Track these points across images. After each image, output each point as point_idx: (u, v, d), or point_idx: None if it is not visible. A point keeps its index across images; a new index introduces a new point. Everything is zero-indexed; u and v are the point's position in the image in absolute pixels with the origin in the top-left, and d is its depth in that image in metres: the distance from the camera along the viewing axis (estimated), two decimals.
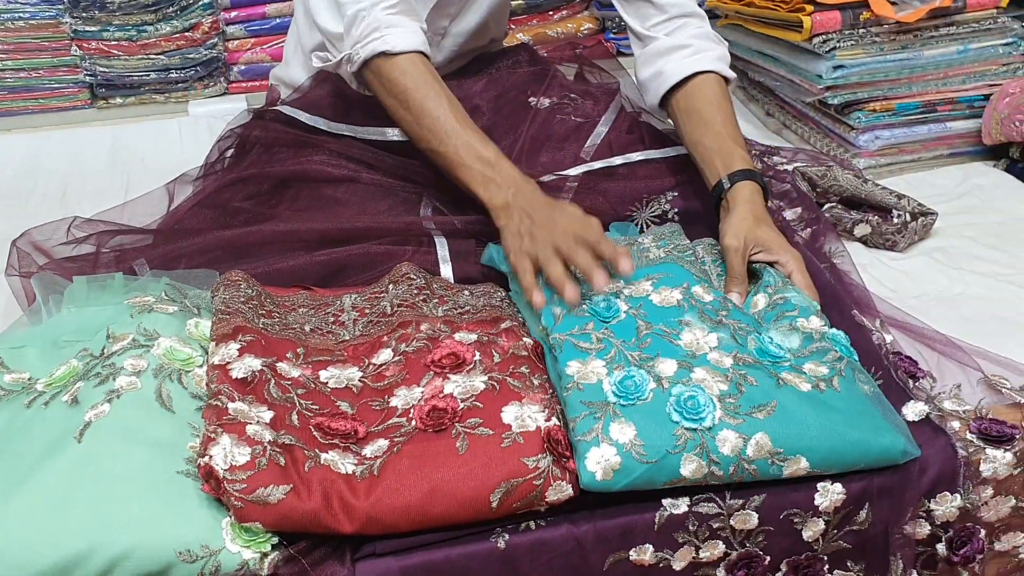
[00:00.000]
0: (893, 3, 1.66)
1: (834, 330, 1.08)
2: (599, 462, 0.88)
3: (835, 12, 1.65)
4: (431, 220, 1.28)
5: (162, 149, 1.87)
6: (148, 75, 1.98)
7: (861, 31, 1.66)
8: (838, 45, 1.65)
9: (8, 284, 1.25)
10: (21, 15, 1.88)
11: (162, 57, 1.96)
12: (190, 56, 1.98)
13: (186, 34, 1.96)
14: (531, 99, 1.52)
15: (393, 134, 1.39)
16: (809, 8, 1.66)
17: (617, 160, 1.42)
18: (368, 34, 1.28)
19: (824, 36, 1.66)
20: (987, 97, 1.70)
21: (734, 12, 1.91)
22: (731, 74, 1.42)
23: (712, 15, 1.99)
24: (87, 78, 1.96)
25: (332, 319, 1.11)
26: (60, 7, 1.89)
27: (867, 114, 1.67)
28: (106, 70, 1.94)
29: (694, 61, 1.39)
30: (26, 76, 1.93)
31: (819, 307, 1.12)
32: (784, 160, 1.57)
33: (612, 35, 2.11)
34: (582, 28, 2.10)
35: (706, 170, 1.30)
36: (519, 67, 1.63)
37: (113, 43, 1.92)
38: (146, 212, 1.39)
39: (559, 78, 1.60)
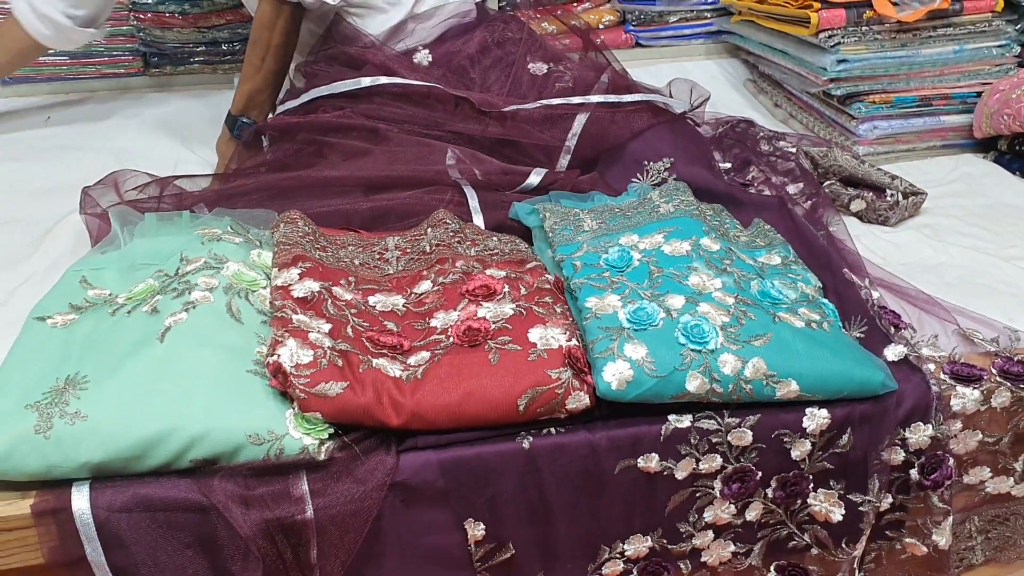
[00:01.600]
0: (895, 3, 1.77)
1: (826, 300, 1.19)
2: (614, 374, 1.00)
3: (840, 10, 1.77)
4: (455, 167, 1.41)
5: (208, 119, 1.97)
6: (199, 47, 2.09)
7: (864, 28, 1.78)
8: (842, 41, 1.77)
9: (85, 223, 1.39)
10: None
11: (213, 31, 2.08)
12: (239, 31, 2.08)
13: (236, 10, 2.07)
14: (529, 65, 1.62)
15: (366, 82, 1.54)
16: (816, 5, 1.78)
17: (576, 100, 1.53)
18: None
19: (830, 32, 1.77)
20: (979, 94, 1.82)
21: (747, 9, 2.04)
22: None
23: (726, 11, 2.13)
24: (141, 47, 2.07)
25: (377, 256, 1.24)
26: None
27: (867, 105, 1.79)
28: (159, 40, 2.05)
29: None
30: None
31: (821, 286, 1.22)
32: (789, 144, 1.69)
33: (632, 27, 2.22)
34: (603, 19, 2.21)
35: None
36: (508, 33, 1.70)
37: (167, 15, 2.03)
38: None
39: (547, 47, 1.69)
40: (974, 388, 1.12)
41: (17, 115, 1.97)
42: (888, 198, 1.54)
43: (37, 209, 1.54)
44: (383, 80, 1.53)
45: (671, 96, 1.59)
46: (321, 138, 1.51)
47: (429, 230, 1.27)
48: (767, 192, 1.46)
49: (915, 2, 1.77)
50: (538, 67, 1.62)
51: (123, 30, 2.04)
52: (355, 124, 1.51)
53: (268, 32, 1.59)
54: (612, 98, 1.54)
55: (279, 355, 0.97)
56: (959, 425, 1.13)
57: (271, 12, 1.58)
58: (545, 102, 1.52)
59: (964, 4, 1.80)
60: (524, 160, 1.51)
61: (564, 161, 1.51)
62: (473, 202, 1.37)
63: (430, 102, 1.54)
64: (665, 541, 1.10)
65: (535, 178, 1.45)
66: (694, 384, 1.02)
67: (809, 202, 1.47)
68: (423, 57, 1.61)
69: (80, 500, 0.92)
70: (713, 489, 1.08)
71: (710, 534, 1.11)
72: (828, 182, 1.58)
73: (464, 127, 1.50)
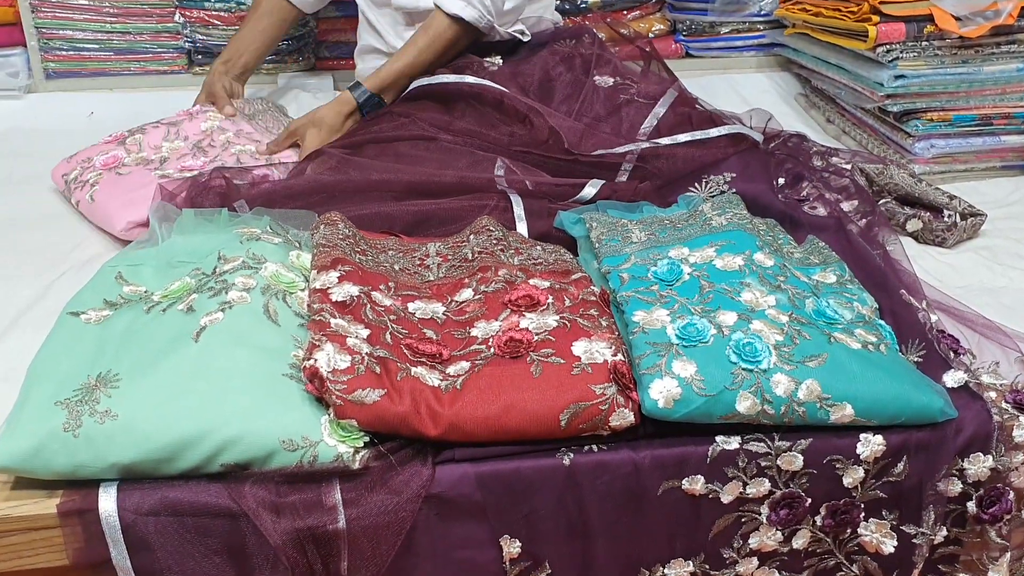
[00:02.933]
0: (957, 18, 1.73)
1: (883, 322, 1.15)
2: (661, 392, 0.97)
3: (900, 24, 1.72)
4: (503, 179, 1.38)
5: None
6: None
7: (924, 43, 1.74)
8: (901, 55, 1.73)
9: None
10: None
11: None
12: None
13: None
14: (595, 77, 1.63)
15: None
16: (875, 19, 1.73)
17: (664, 140, 1.52)
18: None
19: (888, 46, 1.73)
20: None
21: (802, 22, 1.99)
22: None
23: (780, 24, 2.09)
24: (186, 44, 2.07)
25: (418, 262, 1.21)
26: None
27: (924, 123, 1.75)
28: (205, 38, 2.05)
29: None
30: (131, 39, 2.04)
31: (877, 307, 1.18)
32: (843, 160, 1.64)
33: (682, 37, 2.19)
34: (653, 28, 2.18)
35: None
36: (580, 48, 1.73)
37: (213, 13, 2.03)
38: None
39: (616, 62, 1.71)
40: None
41: (61, 110, 1.98)
42: (946, 219, 1.49)
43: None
44: (484, 83, 1.56)
45: (750, 126, 1.58)
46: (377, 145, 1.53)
47: (472, 237, 1.24)
48: (820, 208, 1.41)
49: (979, 17, 1.72)
50: (604, 80, 1.64)
51: (168, 27, 2.04)
52: (415, 135, 1.51)
53: (440, 42, 1.64)
54: (699, 135, 1.54)
55: (316, 359, 0.95)
56: (1021, 457, 1.07)
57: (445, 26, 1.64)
58: (632, 147, 1.51)
59: None
60: (580, 171, 1.49)
61: (624, 178, 1.49)
62: (518, 209, 1.34)
63: (504, 114, 1.56)
64: (708, 567, 1.05)
65: (591, 190, 1.42)
66: (745, 405, 0.98)
67: (864, 220, 1.42)
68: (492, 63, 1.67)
69: (107, 501, 0.90)
70: (760, 515, 1.03)
71: (755, 561, 1.06)
72: (884, 200, 1.53)
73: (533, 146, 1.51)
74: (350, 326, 1.02)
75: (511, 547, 0.99)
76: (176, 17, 2.03)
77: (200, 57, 2.08)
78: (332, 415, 0.94)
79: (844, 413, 1.00)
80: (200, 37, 2.06)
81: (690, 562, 1.05)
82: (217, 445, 0.91)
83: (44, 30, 2.03)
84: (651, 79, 1.70)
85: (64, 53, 2.06)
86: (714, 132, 1.54)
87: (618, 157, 1.50)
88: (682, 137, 1.54)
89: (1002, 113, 1.78)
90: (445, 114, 1.56)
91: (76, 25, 2.04)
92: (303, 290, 1.09)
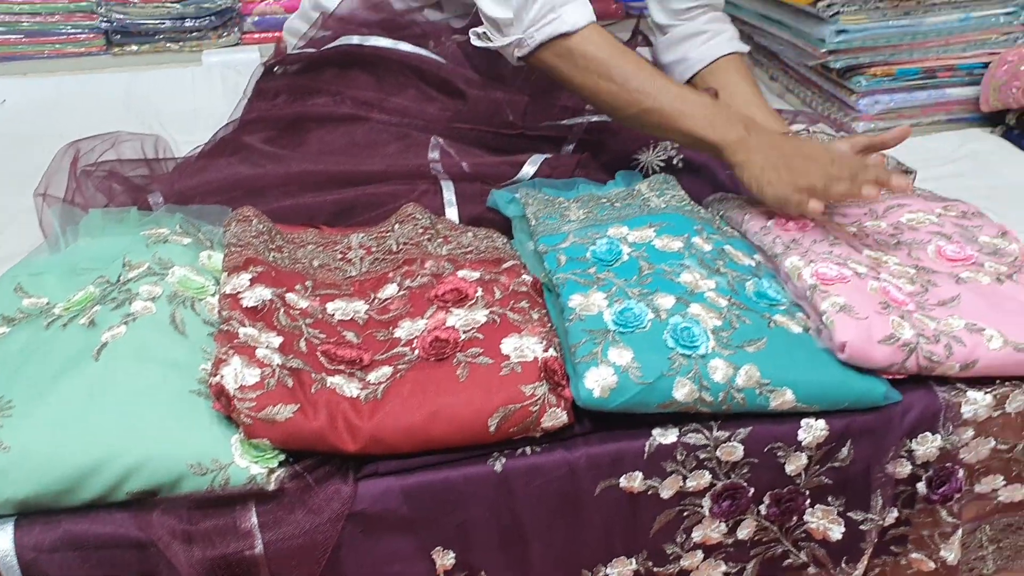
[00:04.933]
0: None
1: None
2: (597, 381, 0.92)
3: None
4: (439, 163, 1.32)
5: (175, 97, 1.90)
6: (163, 23, 2.00)
7: None
8: (842, 10, 1.69)
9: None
10: None
11: (177, 6, 1.99)
12: (205, 6, 2.00)
13: None
14: None
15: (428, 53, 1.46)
16: None
17: None
18: (543, 15, 1.24)
19: (828, 1, 1.69)
20: (986, 65, 1.74)
21: None
22: (745, 47, 1.53)
23: None
24: (103, 24, 1.98)
25: (339, 256, 1.15)
26: None
27: (868, 79, 1.71)
28: (122, 17, 1.97)
29: (713, 46, 1.52)
30: (42, 20, 1.95)
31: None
32: (786, 120, 1.60)
33: None
34: None
35: None
36: None
37: None
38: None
39: None
40: (986, 392, 1.04)
41: None
42: None
43: None
44: (420, 52, 1.46)
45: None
46: (304, 124, 1.43)
47: (397, 226, 1.18)
48: None
49: None
50: None
51: (83, 6, 1.95)
52: (345, 114, 1.42)
53: None
54: None
55: (222, 375, 0.89)
56: (970, 433, 1.05)
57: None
58: (580, 119, 1.43)
59: None
60: (523, 146, 1.41)
61: (569, 148, 1.42)
62: (448, 194, 1.28)
63: (443, 88, 1.46)
64: (651, 564, 1.02)
65: (530, 168, 1.35)
66: (682, 392, 0.94)
67: None
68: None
69: (3, 540, 0.84)
70: (702, 508, 1.00)
71: (699, 554, 1.03)
72: None
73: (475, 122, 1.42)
74: (261, 335, 0.96)
75: (445, 559, 0.95)
76: None
77: (119, 37, 2.00)
78: (242, 435, 0.88)
79: (784, 399, 0.96)
80: (118, 16, 1.97)
81: (632, 560, 1.01)
82: (121, 472, 0.85)
83: None
84: None
85: None
86: None
87: (563, 130, 1.43)
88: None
89: (946, 65, 1.75)
90: (378, 90, 1.47)
91: None
92: (213, 295, 1.03)
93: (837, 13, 1.68)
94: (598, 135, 1.42)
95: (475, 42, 1.34)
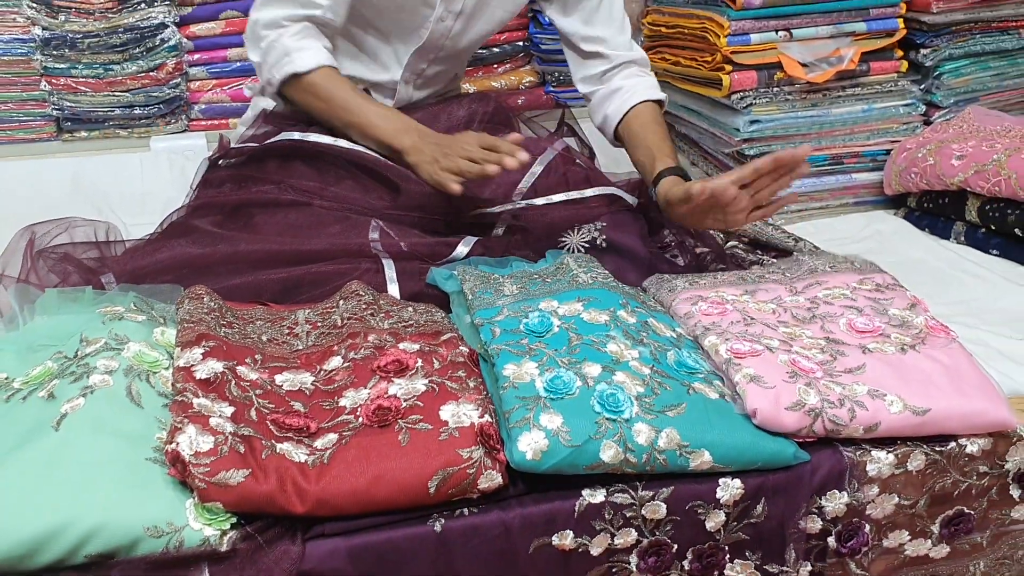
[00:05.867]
0: (804, 65, 1.83)
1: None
2: (529, 444, 0.99)
3: (751, 72, 1.82)
4: (379, 242, 1.40)
5: (124, 180, 1.97)
6: (113, 111, 2.07)
7: (775, 89, 1.83)
8: (754, 102, 1.82)
9: None
10: None
11: (127, 95, 2.06)
12: (154, 94, 2.08)
13: (151, 74, 2.06)
14: None
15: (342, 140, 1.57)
16: (728, 68, 1.82)
17: (539, 201, 1.56)
18: (279, 60, 1.53)
19: (742, 93, 1.82)
20: (888, 152, 1.87)
21: (663, 71, 2.08)
22: (661, 95, 1.67)
23: None
24: (54, 112, 2.04)
25: (287, 331, 1.21)
26: (32, 44, 1.99)
27: None
28: (73, 105, 2.03)
29: (626, 100, 1.65)
30: None
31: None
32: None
33: (552, 88, 2.24)
34: (524, 80, 2.24)
35: (645, 177, 1.55)
36: (471, 111, 1.75)
37: (81, 80, 2.01)
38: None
39: (508, 122, 1.74)
40: (888, 452, 1.12)
41: None
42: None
43: None
44: (357, 148, 1.56)
45: (624, 184, 1.63)
46: (249, 209, 1.51)
47: (341, 302, 1.25)
48: (679, 257, 1.47)
49: (823, 63, 1.82)
50: None
51: (35, 95, 2.01)
52: (289, 200, 1.50)
53: None
54: (574, 195, 1.57)
55: (178, 443, 0.94)
56: (876, 490, 1.13)
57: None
58: (508, 206, 1.54)
59: (871, 65, 1.86)
60: (456, 230, 1.51)
61: (499, 231, 1.52)
62: (390, 271, 1.35)
63: (378, 180, 1.56)
64: None
65: (463, 248, 1.44)
66: (608, 454, 1.01)
67: (714, 264, 1.48)
68: None
69: None
70: (629, 564, 1.06)
71: None
72: (731, 243, 1.60)
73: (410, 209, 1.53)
74: (214, 404, 1.01)
75: None
76: (42, 85, 1.99)
77: (69, 124, 2.06)
78: (197, 498, 0.93)
79: (703, 460, 1.04)
80: (68, 104, 2.03)
81: None
82: (79, 536, 0.89)
83: None
84: (530, 141, 1.72)
85: None
86: (588, 192, 1.58)
87: (493, 217, 1.53)
88: (556, 197, 1.57)
89: (852, 152, 1.88)
90: (319, 180, 1.56)
91: None
92: (167, 368, 1.09)
93: (750, 105, 1.81)
94: (525, 220, 1.51)
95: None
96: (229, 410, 1.01)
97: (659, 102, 1.67)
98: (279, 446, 0.99)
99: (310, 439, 1.02)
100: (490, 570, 1.01)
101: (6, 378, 1.09)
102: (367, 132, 1.52)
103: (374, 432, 1.01)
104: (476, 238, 1.46)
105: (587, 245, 1.46)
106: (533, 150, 1.66)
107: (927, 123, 1.95)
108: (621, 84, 1.67)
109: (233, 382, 1.06)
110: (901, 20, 1.92)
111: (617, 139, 1.69)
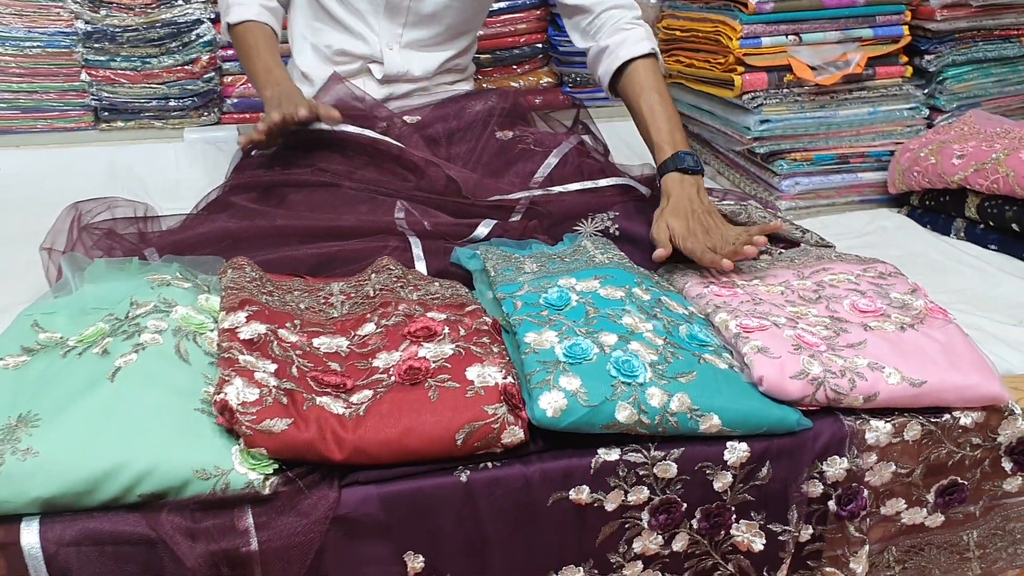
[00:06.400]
0: (813, 68, 1.89)
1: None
2: (549, 403, 1.06)
3: (762, 73, 1.88)
4: (404, 220, 1.48)
5: (157, 170, 2.03)
6: (149, 102, 2.15)
7: (785, 91, 1.89)
8: (765, 102, 1.88)
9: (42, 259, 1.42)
10: (39, 43, 2.05)
11: (163, 87, 2.14)
12: (188, 87, 2.15)
13: (186, 67, 2.14)
14: (496, 133, 1.73)
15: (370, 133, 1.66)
16: (740, 69, 1.88)
17: (556, 188, 1.63)
18: (224, 11, 1.77)
19: (753, 94, 1.88)
20: (892, 153, 1.93)
21: (677, 72, 2.14)
22: (647, 48, 1.69)
23: None
24: (92, 102, 2.12)
25: (323, 300, 1.29)
26: (74, 37, 2.07)
27: (789, 163, 1.90)
28: (111, 96, 2.11)
29: (612, 63, 1.71)
30: (38, 98, 2.09)
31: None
32: (716, 199, 1.78)
33: (568, 88, 2.31)
34: (542, 81, 2.31)
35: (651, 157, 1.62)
36: (490, 105, 1.83)
37: (119, 72, 2.09)
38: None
39: (528, 115, 1.83)
40: (886, 421, 1.18)
41: None
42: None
43: None
44: (381, 137, 1.64)
45: (639, 176, 1.70)
46: (282, 189, 1.59)
47: (373, 276, 1.32)
48: None
49: (831, 67, 1.88)
50: (504, 133, 1.74)
51: (75, 86, 2.08)
52: (320, 181, 1.58)
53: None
54: (589, 184, 1.64)
55: (226, 393, 1.01)
56: (874, 457, 1.18)
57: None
58: (524, 193, 1.60)
59: (877, 70, 1.92)
60: (476, 214, 1.58)
61: (516, 217, 1.59)
62: (416, 250, 1.43)
63: (403, 167, 1.64)
64: (596, 572, 1.14)
65: (483, 229, 1.52)
66: (623, 414, 1.07)
67: None
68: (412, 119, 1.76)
69: (30, 535, 0.94)
70: (641, 520, 1.12)
71: (639, 565, 1.15)
72: None
73: (432, 193, 1.61)
74: (258, 361, 1.09)
75: (415, 562, 1.06)
76: (82, 76, 2.07)
77: (107, 114, 2.13)
78: (242, 445, 1.00)
79: (712, 423, 1.10)
80: (107, 95, 2.11)
81: (580, 568, 1.13)
82: (133, 477, 0.96)
83: None
84: (546, 135, 1.80)
85: None
86: (603, 182, 1.65)
87: (511, 202, 1.61)
88: (573, 186, 1.65)
89: (858, 152, 1.94)
90: (347, 165, 1.64)
91: None
92: (212, 331, 1.16)
93: (760, 105, 1.87)
94: (543, 207, 1.59)
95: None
96: (272, 367, 1.09)
97: (649, 55, 1.69)
98: (319, 399, 1.06)
99: (347, 395, 1.09)
100: (511, 521, 1.08)
101: (61, 338, 1.16)
102: (253, 79, 1.72)
103: (406, 389, 1.08)
104: (495, 221, 1.54)
105: (600, 234, 1.53)
106: (549, 143, 1.75)
107: (930, 126, 2.00)
108: (607, 43, 1.72)
109: (275, 342, 1.13)
110: (906, 27, 1.98)
111: (616, 93, 1.76)
